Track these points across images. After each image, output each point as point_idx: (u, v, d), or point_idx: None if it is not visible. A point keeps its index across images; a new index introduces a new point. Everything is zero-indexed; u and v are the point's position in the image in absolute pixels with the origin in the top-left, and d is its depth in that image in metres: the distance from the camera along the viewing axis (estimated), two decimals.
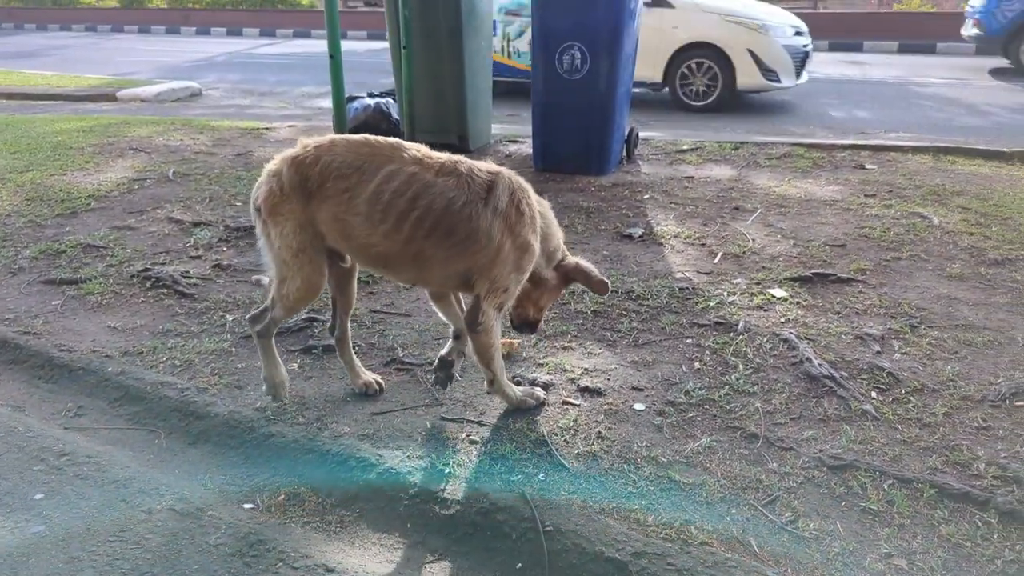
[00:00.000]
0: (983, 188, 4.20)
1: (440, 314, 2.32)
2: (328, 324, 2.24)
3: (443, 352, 2.16)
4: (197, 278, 3.12)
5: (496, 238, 1.84)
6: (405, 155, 1.87)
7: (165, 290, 3.01)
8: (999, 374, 2.27)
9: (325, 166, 1.87)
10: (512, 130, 6.11)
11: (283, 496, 1.86)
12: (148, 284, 3.06)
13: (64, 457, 1.97)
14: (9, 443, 2.03)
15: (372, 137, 1.93)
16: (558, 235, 2.07)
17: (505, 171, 1.93)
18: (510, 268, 1.88)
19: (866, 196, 4.12)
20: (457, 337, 2.24)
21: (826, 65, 10.67)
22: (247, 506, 1.82)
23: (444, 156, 1.91)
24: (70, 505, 1.79)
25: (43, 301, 2.95)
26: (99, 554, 1.63)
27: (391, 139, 1.94)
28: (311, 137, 1.97)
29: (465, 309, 2.12)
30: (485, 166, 1.92)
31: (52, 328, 2.72)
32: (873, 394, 2.18)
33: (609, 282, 2.10)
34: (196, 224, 3.76)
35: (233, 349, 2.53)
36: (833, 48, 12.91)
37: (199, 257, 3.37)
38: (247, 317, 2.14)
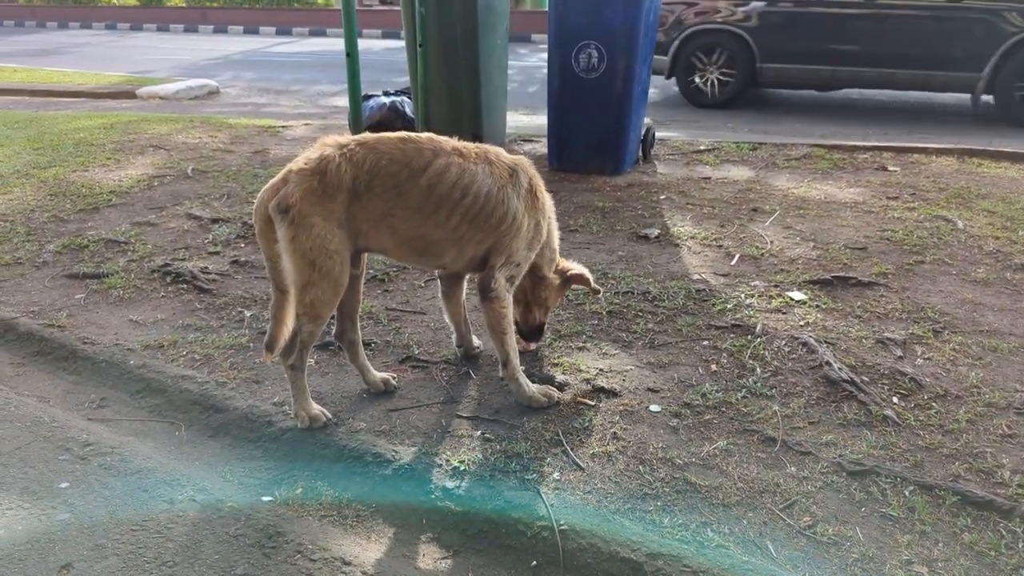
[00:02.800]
0: (1009, 191, 4.13)
1: (448, 317, 2.37)
2: (334, 331, 2.22)
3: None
4: (216, 274, 3.16)
5: (520, 217, 2.04)
6: (446, 147, 1.98)
7: (185, 285, 3.05)
8: None
9: (374, 164, 1.90)
10: (527, 129, 6.11)
11: (300, 489, 1.88)
12: (168, 279, 3.10)
13: (88, 447, 2.00)
14: (35, 433, 2.07)
15: (410, 133, 2.01)
16: (558, 236, 2.29)
17: (523, 159, 2.11)
18: (524, 245, 2.08)
19: (888, 198, 4.06)
20: (461, 346, 2.43)
21: None
22: (266, 498, 1.84)
23: (473, 145, 2.05)
24: (94, 494, 1.82)
25: (66, 295, 3.00)
26: (123, 542, 1.66)
27: (424, 134, 2.02)
28: (341, 137, 1.96)
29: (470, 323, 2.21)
30: (505, 154, 2.11)
31: (76, 321, 2.76)
32: (895, 399, 2.16)
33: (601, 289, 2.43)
34: (215, 220, 3.81)
35: (251, 344, 2.56)
36: None
37: (217, 253, 3.40)
38: (278, 356, 2.03)
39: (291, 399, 2.07)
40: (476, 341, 2.46)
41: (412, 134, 2.00)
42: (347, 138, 1.94)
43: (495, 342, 2.11)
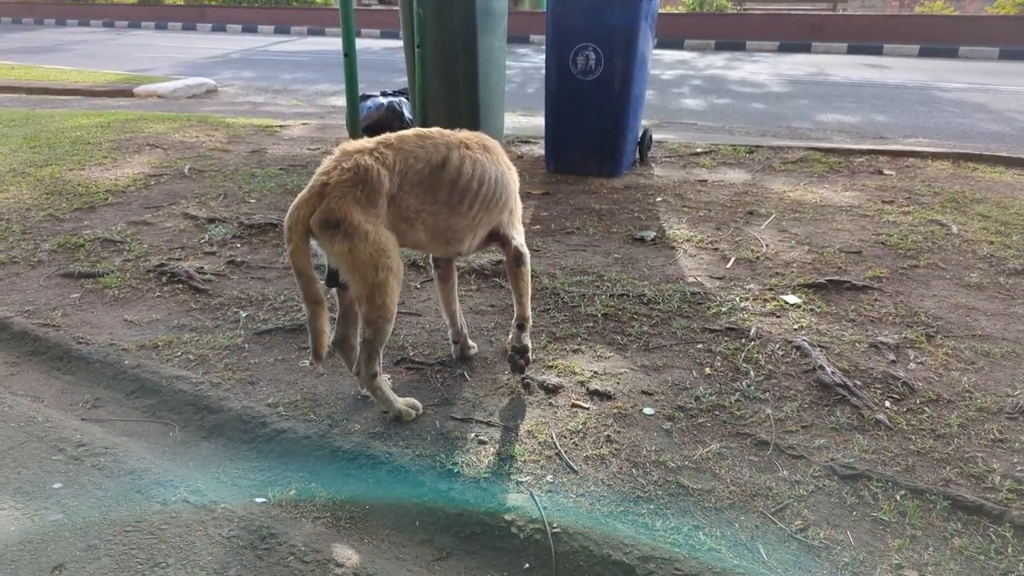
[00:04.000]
0: (1004, 196, 4.15)
1: (443, 306, 2.40)
2: (333, 337, 2.18)
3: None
4: (212, 274, 3.15)
5: (516, 195, 2.22)
6: (454, 140, 2.06)
7: (180, 285, 3.05)
8: (1016, 386, 2.25)
9: (404, 165, 1.95)
10: (525, 130, 6.11)
11: (294, 491, 1.88)
12: (164, 279, 3.10)
13: (81, 447, 2.00)
14: (29, 433, 2.06)
15: (422, 129, 2.07)
16: None
17: (496, 142, 2.24)
18: (518, 217, 2.26)
19: (883, 202, 4.08)
20: (456, 342, 2.45)
21: (845, 68, 10.58)
22: (259, 500, 1.84)
23: (473, 135, 2.15)
24: (87, 494, 1.82)
25: (62, 294, 3.00)
26: (115, 543, 1.66)
27: (433, 128, 2.09)
28: (365, 141, 1.95)
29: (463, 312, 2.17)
30: (491, 139, 2.21)
31: (70, 321, 2.76)
32: (887, 403, 2.17)
33: None
34: (211, 220, 3.80)
35: (246, 345, 2.56)
36: (852, 51, 12.80)
37: (213, 253, 3.40)
38: (354, 373, 2.14)
39: (376, 403, 2.11)
40: (471, 343, 2.47)
41: (424, 129, 2.06)
42: (371, 142, 1.97)
43: (522, 304, 2.22)
